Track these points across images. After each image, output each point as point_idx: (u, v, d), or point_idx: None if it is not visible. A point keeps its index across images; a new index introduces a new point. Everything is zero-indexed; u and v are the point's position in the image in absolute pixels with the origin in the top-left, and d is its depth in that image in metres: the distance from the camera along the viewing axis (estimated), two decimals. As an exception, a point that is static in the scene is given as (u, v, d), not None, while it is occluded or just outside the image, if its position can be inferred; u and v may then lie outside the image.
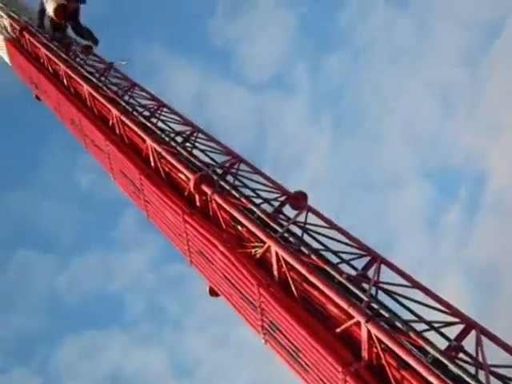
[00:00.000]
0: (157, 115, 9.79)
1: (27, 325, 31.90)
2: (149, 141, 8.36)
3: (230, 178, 8.01)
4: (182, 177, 7.86)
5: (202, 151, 8.48)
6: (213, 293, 7.81)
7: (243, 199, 7.30)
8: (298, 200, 7.51)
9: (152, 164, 8.43)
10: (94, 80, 10.40)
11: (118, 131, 9.30)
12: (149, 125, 8.88)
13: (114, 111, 9.24)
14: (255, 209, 7.17)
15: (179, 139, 8.88)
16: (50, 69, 11.62)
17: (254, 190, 7.70)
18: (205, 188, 7.32)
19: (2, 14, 13.91)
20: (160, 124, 9.37)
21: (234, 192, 7.38)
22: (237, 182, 7.93)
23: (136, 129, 8.70)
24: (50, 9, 12.08)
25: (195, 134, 8.97)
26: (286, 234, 6.84)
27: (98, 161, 10.05)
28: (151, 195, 8.28)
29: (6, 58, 13.72)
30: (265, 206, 7.62)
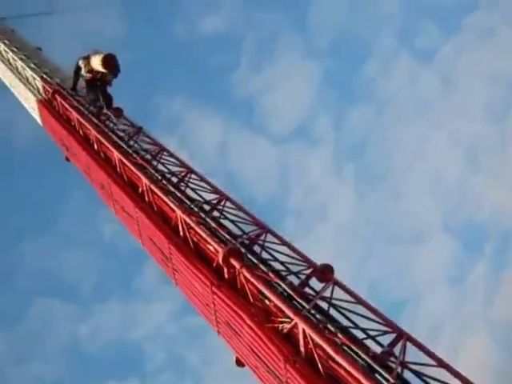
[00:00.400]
0: (185, 181, 10.15)
1: (47, 373, 31.90)
2: (178, 212, 8.62)
3: (256, 247, 8.29)
4: (211, 248, 8.07)
5: (232, 222, 8.73)
6: (239, 363, 7.94)
7: (271, 273, 7.49)
8: (325, 273, 7.68)
9: (181, 233, 8.68)
10: (124, 146, 10.78)
11: (147, 199, 9.59)
12: (178, 194, 9.18)
13: (144, 179, 9.55)
14: (282, 283, 7.36)
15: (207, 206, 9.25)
16: (81, 132, 12.02)
17: (282, 263, 7.89)
18: (233, 262, 7.52)
19: (35, 75, 14.48)
20: (188, 191, 9.77)
21: (261, 266, 7.57)
22: (264, 253, 8.17)
23: (165, 199, 8.99)
24: (95, 62, 12.19)
25: (223, 202, 9.27)
26: (312, 311, 7.01)
27: (127, 226, 10.33)
28: (180, 264, 8.50)
29: (38, 119, 14.22)
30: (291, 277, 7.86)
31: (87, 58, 12.41)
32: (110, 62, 12.00)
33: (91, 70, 12.35)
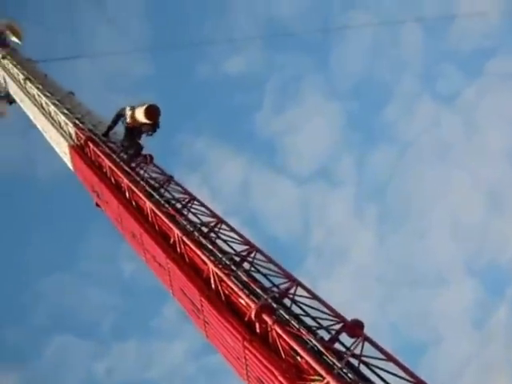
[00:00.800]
0: (215, 231, 10.39)
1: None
2: (210, 265, 8.82)
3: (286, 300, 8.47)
4: (243, 302, 8.23)
5: (263, 274, 8.92)
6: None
7: (302, 330, 7.63)
8: (355, 329, 7.81)
9: (213, 286, 8.85)
10: (156, 195, 11.05)
11: (179, 250, 9.80)
12: (209, 246, 9.38)
13: (176, 231, 9.78)
14: (313, 339, 7.49)
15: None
16: (113, 180, 12.32)
17: (313, 318, 8.04)
18: (266, 317, 7.67)
19: (68, 121, 14.89)
20: (219, 241, 9.99)
21: (293, 322, 7.72)
22: (294, 306, 8.35)
23: (198, 251, 9.19)
24: (139, 112, 12.60)
25: (253, 254, 9.47)
26: (344, 369, 7.12)
27: (157, 275, 10.52)
28: (211, 317, 8.65)
29: (69, 164, 14.56)
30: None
31: (133, 108, 12.85)
32: (151, 111, 12.53)
33: (134, 120, 12.79)
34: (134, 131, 13.00)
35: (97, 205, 13.46)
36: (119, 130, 13.67)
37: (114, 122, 13.55)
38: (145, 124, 12.72)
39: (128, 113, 12.90)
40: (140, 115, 12.57)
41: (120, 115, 13.25)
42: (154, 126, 12.76)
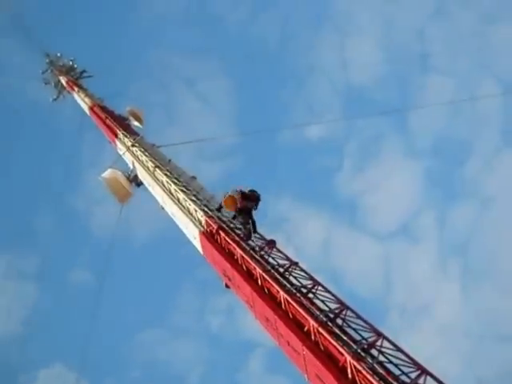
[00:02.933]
0: (341, 317, 11.31)
1: None
2: (348, 357, 9.68)
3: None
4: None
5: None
6: None
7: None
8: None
9: (349, 376, 9.69)
10: (288, 284, 12.13)
11: (313, 338, 10.73)
12: (344, 338, 10.28)
13: (312, 322, 10.74)
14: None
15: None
16: (244, 267, 13.53)
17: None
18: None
19: (197, 208, 16.43)
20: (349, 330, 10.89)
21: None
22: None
23: (334, 343, 10.10)
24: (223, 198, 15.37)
25: (379, 342, 10.32)
26: None
27: (291, 359, 11.44)
28: (350, 406, 9.45)
29: (199, 248, 15.97)
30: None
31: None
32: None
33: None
34: (243, 211, 15.16)
35: (226, 286, 14.68)
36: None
37: (219, 208, 16.09)
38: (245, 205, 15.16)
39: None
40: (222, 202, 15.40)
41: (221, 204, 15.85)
42: (256, 202, 15.27)
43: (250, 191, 15.44)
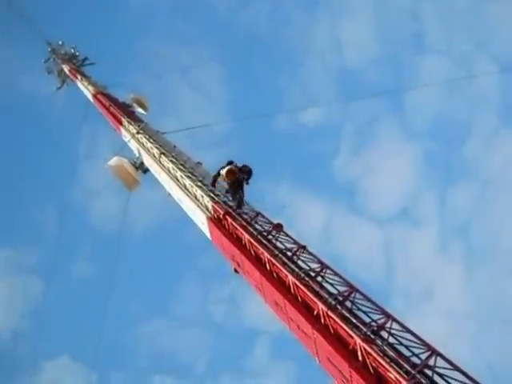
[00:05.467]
0: (350, 300, 11.34)
1: None
2: (358, 340, 9.73)
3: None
4: (392, 377, 9.06)
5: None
6: None
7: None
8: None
9: (360, 358, 9.74)
10: (296, 269, 12.17)
11: (323, 321, 10.78)
12: (354, 320, 10.32)
13: (321, 305, 10.79)
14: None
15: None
16: (252, 251, 13.56)
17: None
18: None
19: (204, 194, 16.45)
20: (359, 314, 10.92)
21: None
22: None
23: (344, 326, 10.14)
24: (223, 171, 16.13)
25: (388, 324, 10.37)
26: None
27: (302, 342, 11.52)
28: (363, 389, 9.52)
29: (207, 233, 16.02)
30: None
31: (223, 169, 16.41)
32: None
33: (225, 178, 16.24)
34: (235, 183, 16.06)
35: (235, 271, 14.76)
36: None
37: (215, 178, 16.85)
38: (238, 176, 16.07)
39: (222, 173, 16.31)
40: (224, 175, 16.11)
41: (216, 177, 16.78)
42: (248, 176, 16.31)
43: (243, 166, 16.42)
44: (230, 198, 16.17)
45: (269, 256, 12.71)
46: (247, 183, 16.30)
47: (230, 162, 16.65)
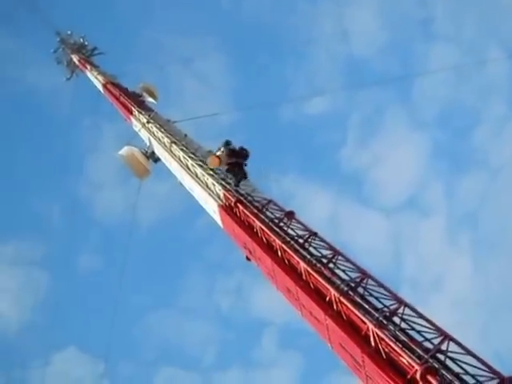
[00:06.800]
0: (363, 286, 11.38)
1: None
2: (370, 325, 9.77)
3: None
4: (404, 361, 9.10)
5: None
6: None
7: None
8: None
9: (372, 344, 9.79)
10: (308, 256, 12.21)
11: (335, 307, 10.83)
12: (366, 306, 10.37)
13: (333, 291, 10.83)
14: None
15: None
16: (264, 239, 13.61)
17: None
18: (430, 379, 8.50)
19: (215, 182, 16.49)
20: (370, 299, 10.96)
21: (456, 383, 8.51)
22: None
23: (356, 312, 10.18)
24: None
25: (401, 310, 10.40)
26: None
27: (315, 328, 11.58)
28: (374, 373, 9.56)
29: (219, 222, 16.09)
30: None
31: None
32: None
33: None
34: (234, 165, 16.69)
35: (247, 258, 14.83)
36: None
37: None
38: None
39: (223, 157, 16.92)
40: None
41: None
42: (244, 158, 16.89)
43: (240, 148, 17.10)
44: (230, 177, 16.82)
45: (280, 243, 12.76)
46: (245, 165, 16.90)
47: (227, 143, 17.17)
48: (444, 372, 8.77)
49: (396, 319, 10.35)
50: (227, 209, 15.44)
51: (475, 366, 9.02)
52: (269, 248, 13.32)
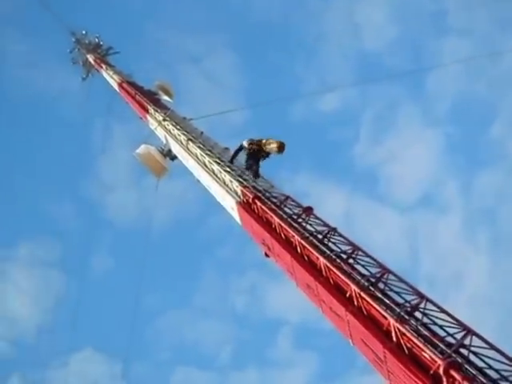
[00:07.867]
0: (383, 281, 11.30)
1: None
2: (392, 321, 9.71)
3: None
4: (427, 356, 9.03)
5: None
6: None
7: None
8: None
9: (394, 339, 9.73)
10: (327, 251, 12.16)
11: (356, 303, 10.78)
12: (386, 301, 10.30)
13: (353, 287, 10.77)
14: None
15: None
16: (282, 235, 13.59)
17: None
18: (454, 374, 8.42)
19: (232, 179, 16.49)
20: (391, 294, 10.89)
21: (480, 377, 8.42)
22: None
23: (377, 307, 10.12)
24: (271, 145, 16.89)
25: (422, 304, 10.31)
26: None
27: (335, 324, 11.54)
28: (396, 369, 9.50)
29: (237, 218, 16.09)
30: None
31: (259, 141, 17.14)
32: (283, 147, 16.81)
33: (261, 149, 16.99)
34: (259, 155, 16.94)
35: (266, 255, 14.82)
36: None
37: (237, 152, 17.79)
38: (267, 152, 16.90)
39: (246, 144, 17.26)
40: (272, 148, 16.75)
41: (239, 149, 17.63)
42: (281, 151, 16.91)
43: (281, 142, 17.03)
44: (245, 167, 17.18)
45: (299, 239, 12.73)
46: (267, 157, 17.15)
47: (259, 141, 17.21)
48: (467, 367, 8.68)
49: (417, 314, 10.29)
50: (245, 205, 15.42)
51: (499, 361, 8.94)
52: (288, 244, 13.28)
